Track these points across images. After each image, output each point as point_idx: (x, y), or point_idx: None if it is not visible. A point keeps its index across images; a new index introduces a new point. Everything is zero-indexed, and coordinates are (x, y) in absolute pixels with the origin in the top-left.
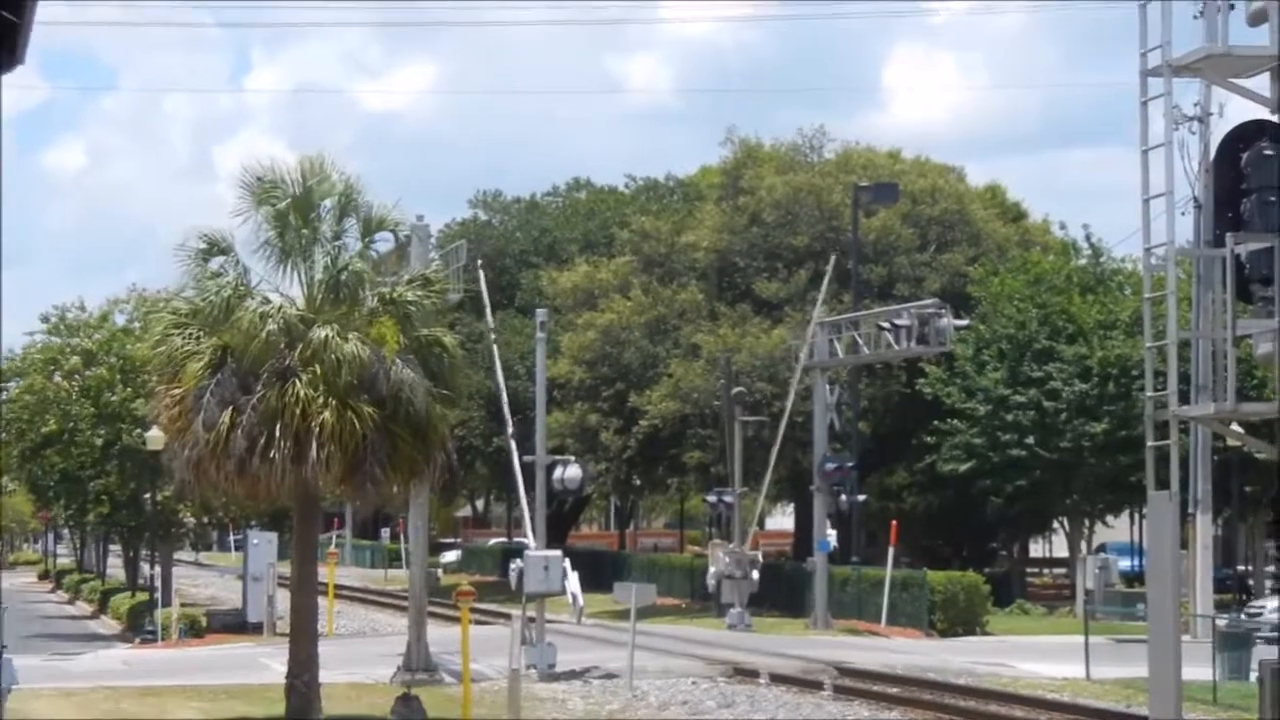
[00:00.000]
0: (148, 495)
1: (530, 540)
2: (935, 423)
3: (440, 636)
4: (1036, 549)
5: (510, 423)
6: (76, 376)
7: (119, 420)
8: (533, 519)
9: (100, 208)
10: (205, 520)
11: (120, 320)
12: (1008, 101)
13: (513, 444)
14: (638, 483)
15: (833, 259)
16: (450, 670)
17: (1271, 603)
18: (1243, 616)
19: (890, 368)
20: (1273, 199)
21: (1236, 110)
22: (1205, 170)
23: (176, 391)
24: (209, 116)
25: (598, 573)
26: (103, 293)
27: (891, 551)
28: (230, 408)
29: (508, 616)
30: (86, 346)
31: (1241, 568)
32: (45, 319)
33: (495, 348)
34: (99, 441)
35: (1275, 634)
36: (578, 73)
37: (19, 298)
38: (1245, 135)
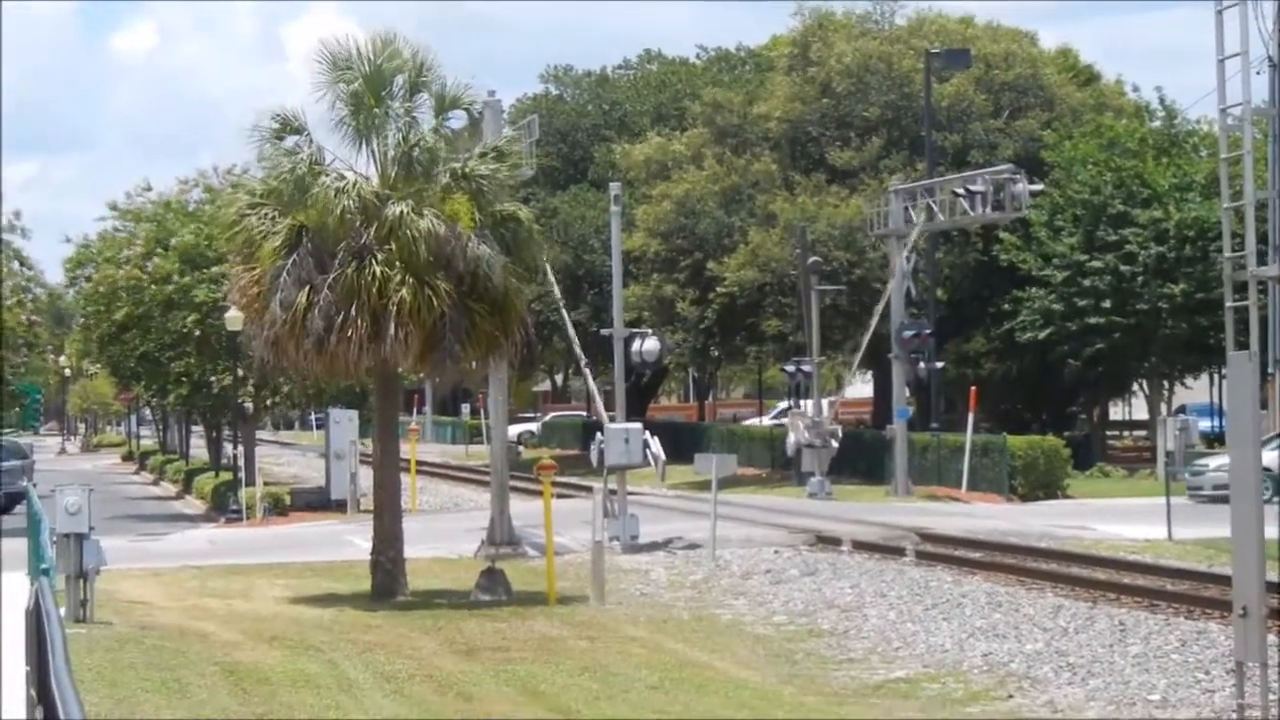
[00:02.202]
0: (215, 379)
1: (603, 416)
2: (1012, 290)
3: (523, 510)
4: (1116, 412)
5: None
6: (145, 265)
7: (182, 307)
8: (594, 394)
9: (169, 88)
10: (268, 404)
11: (191, 202)
12: None
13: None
14: (715, 353)
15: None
16: (533, 544)
17: (1214, 460)
18: (1187, 475)
19: (966, 234)
20: None
21: None
22: None
23: (254, 272)
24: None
25: (678, 444)
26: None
27: (971, 417)
28: (307, 287)
29: (589, 490)
30: (140, 249)
31: None
32: (114, 207)
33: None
34: (173, 326)
35: (1216, 491)
36: None
37: (88, 180)
38: None
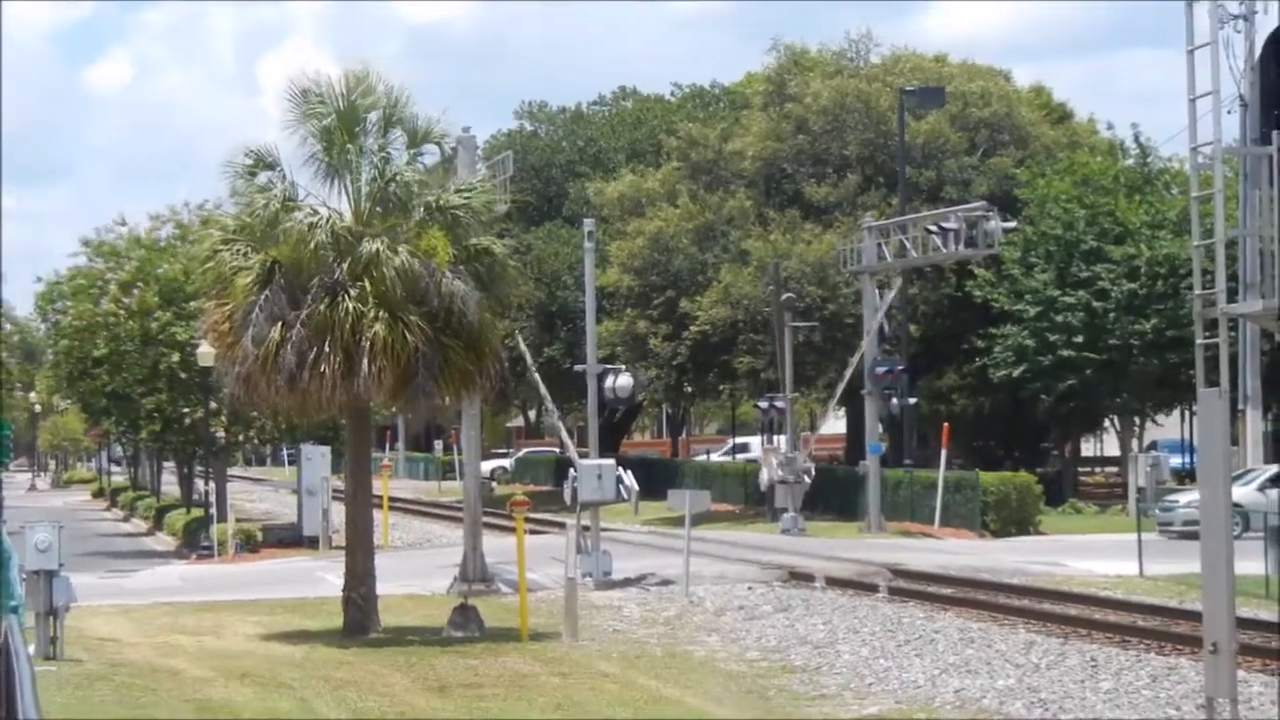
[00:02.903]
0: (187, 411)
1: (571, 451)
2: (985, 328)
3: (495, 547)
4: (1088, 448)
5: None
6: (123, 300)
7: (161, 344)
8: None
9: (145, 121)
10: (240, 438)
11: (162, 238)
12: (1053, 3)
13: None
14: (689, 389)
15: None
16: (506, 580)
17: (1184, 496)
18: (1158, 511)
19: (939, 271)
20: None
21: None
22: (1251, 69)
23: (225, 308)
24: (252, 29)
25: (651, 480)
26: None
27: (944, 453)
28: (280, 323)
29: (562, 526)
30: (123, 278)
31: None
32: (86, 242)
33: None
34: (148, 363)
35: (1187, 527)
36: None
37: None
38: None
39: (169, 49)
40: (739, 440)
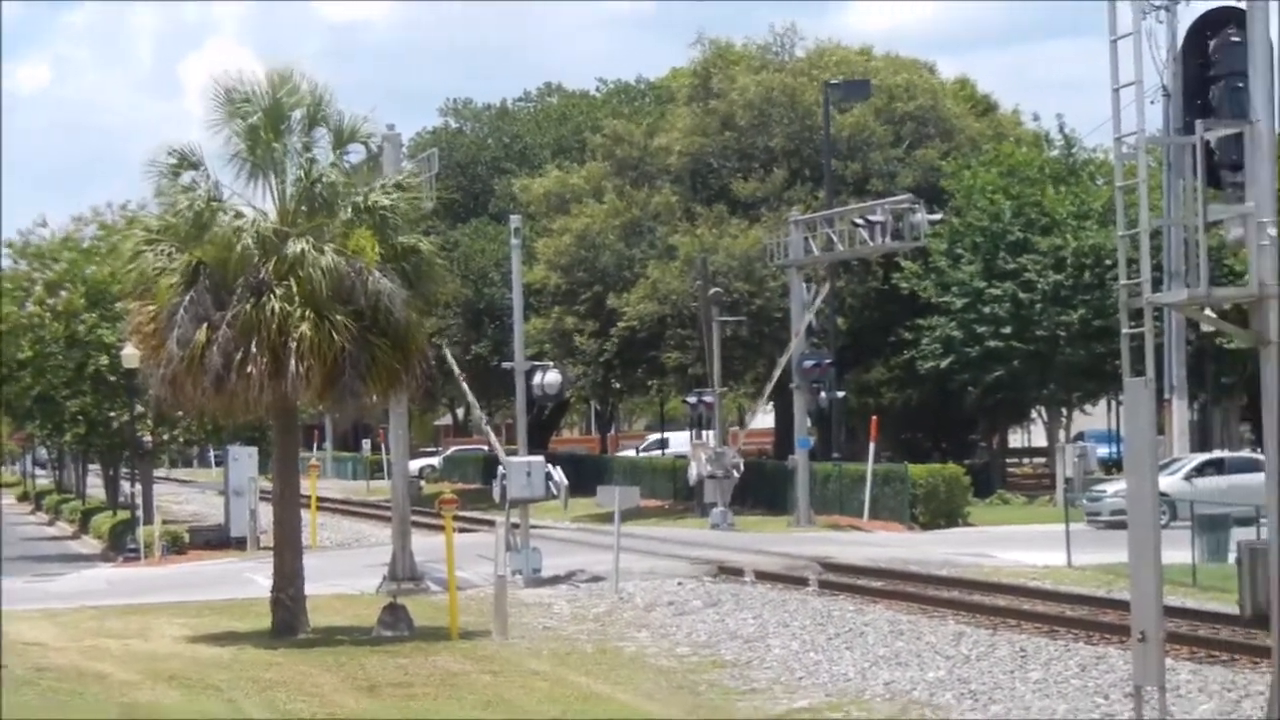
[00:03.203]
0: (114, 415)
1: (499, 450)
2: (912, 319)
3: (424, 545)
4: (1015, 439)
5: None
6: (48, 302)
7: (88, 346)
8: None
9: (66, 123)
10: (167, 440)
11: (85, 238)
12: None
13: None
14: (617, 386)
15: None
16: (436, 579)
17: (1111, 486)
18: (1085, 502)
19: (866, 264)
20: (1240, 85)
21: None
22: (1173, 59)
23: (150, 309)
24: (173, 30)
25: (580, 476)
26: (70, 208)
27: (872, 447)
28: (205, 324)
29: (491, 524)
30: (51, 277)
31: (1218, 453)
32: (10, 245)
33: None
34: (72, 365)
35: (1114, 517)
36: None
37: None
38: (1212, 22)
39: (88, 50)
40: (658, 436)
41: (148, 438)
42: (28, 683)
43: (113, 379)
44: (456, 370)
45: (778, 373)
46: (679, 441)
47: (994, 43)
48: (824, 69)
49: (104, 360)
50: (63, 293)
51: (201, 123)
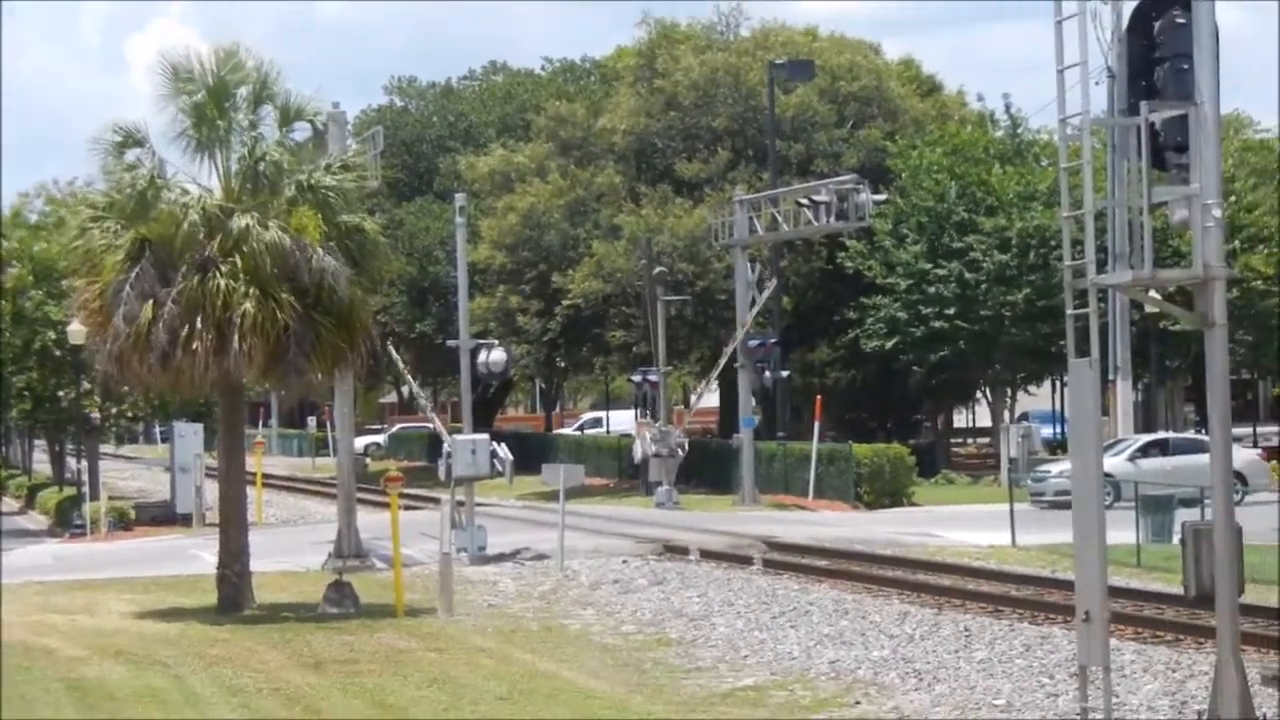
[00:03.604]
0: (62, 394)
1: (440, 429)
2: (857, 299)
3: (370, 523)
4: (960, 419)
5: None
6: None
7: (35, 323)
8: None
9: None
10: (114, 415)
11: (33, 215)
12: None
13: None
14: (561, 364)
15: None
16: (381, 556)
17: (1056, 466)
18: (1030, 482)
19: (811, 244)
20: (1185, 67)
21: None
22: (1118, 39)
23: (96, 285)
24: (119, 8)
25: (525, 455)
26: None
27: (817, 426)
28: (150, 300)
29: (437, 501)
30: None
31: (1163, 434)
32: None
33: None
34: (19, 342)
35: (1058, 497)
36: None
37: None
38: (1157, 3)
39: (33, 28)
40: (592, 415)
41: (95, 414)
42: None
43: (59, 354)
44: (400, 364)
45: (730, 348)
46: (618, 420)
47: (939, 24)
48: (769, 49)
49: (51, 336)
50: (10, 269)
51: (148, 100)
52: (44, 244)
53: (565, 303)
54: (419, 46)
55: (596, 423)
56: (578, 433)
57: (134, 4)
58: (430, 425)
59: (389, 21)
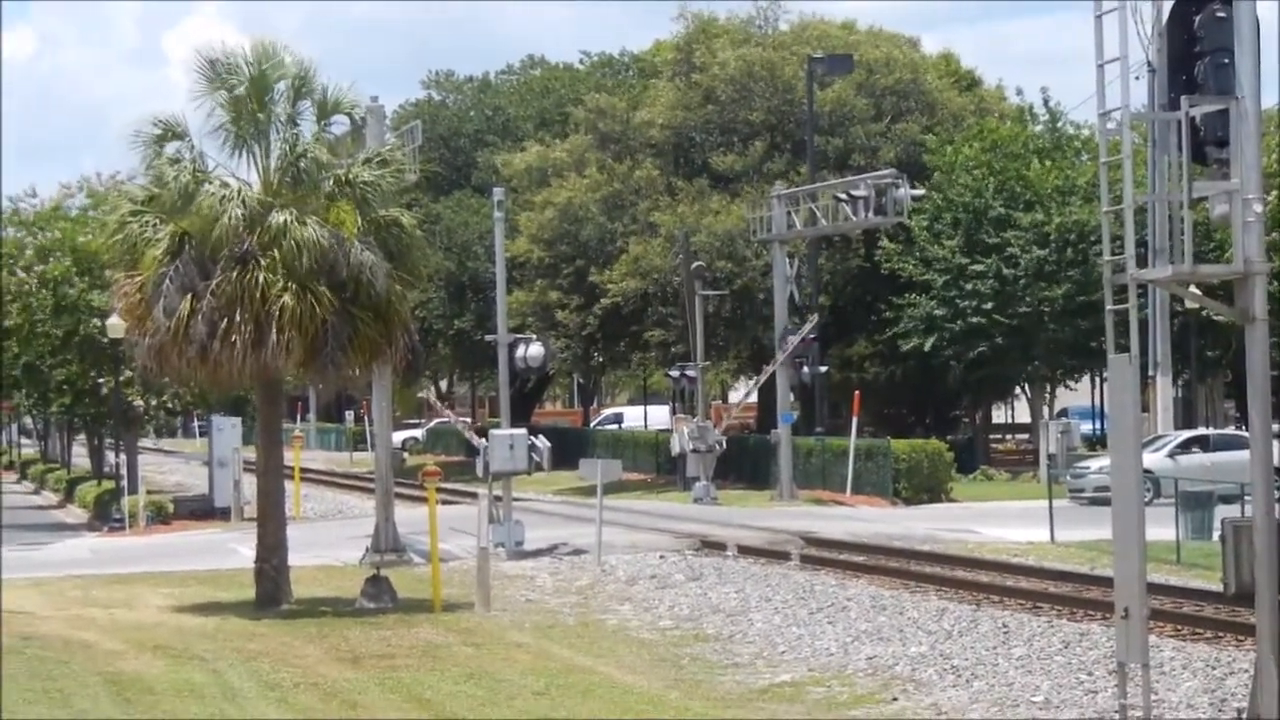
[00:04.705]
0: (102, 381)
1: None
2: (893, 298)
3: (407, 517)
4: (999, 415)
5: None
6: (35, 269)
7: (78, 311)
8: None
9: (52, 94)
10: (155, 405)
11: (74, 207)
12: None
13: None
14: (599, 359)
15: None
16: (418, 550)
17: (1095, 463)
18: (1069, 478)
19: (848, 240)
20: (1226, 61)
21: None
22: (1159, 34)
23: (136, 279)
24: (155, 6)
25: (563, 450)
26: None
27: (855, 421)
28: (190, 294)
29: (474, 496)
30: (41, 243)
31: (1202, 430)
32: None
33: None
34: (59, 332)
35: (1098, 493)
36: None
37: None
38: None
39: (72, 23)
40: (613, 410)
41: (137, 402)
42: (13, 651)
43: (103, 341)
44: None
45: (789, 346)
46: (633, 416)
47: (978, 18)
48: (805, 43)
49: (95, 324)
50: (52, 260)
51: (184, 96)
52: (87, 236)
53: (604, 300)
54: (456, 41)
55: (617, 419)
56: (615, 427)
57: (169, 1)
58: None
59: (426, 16)
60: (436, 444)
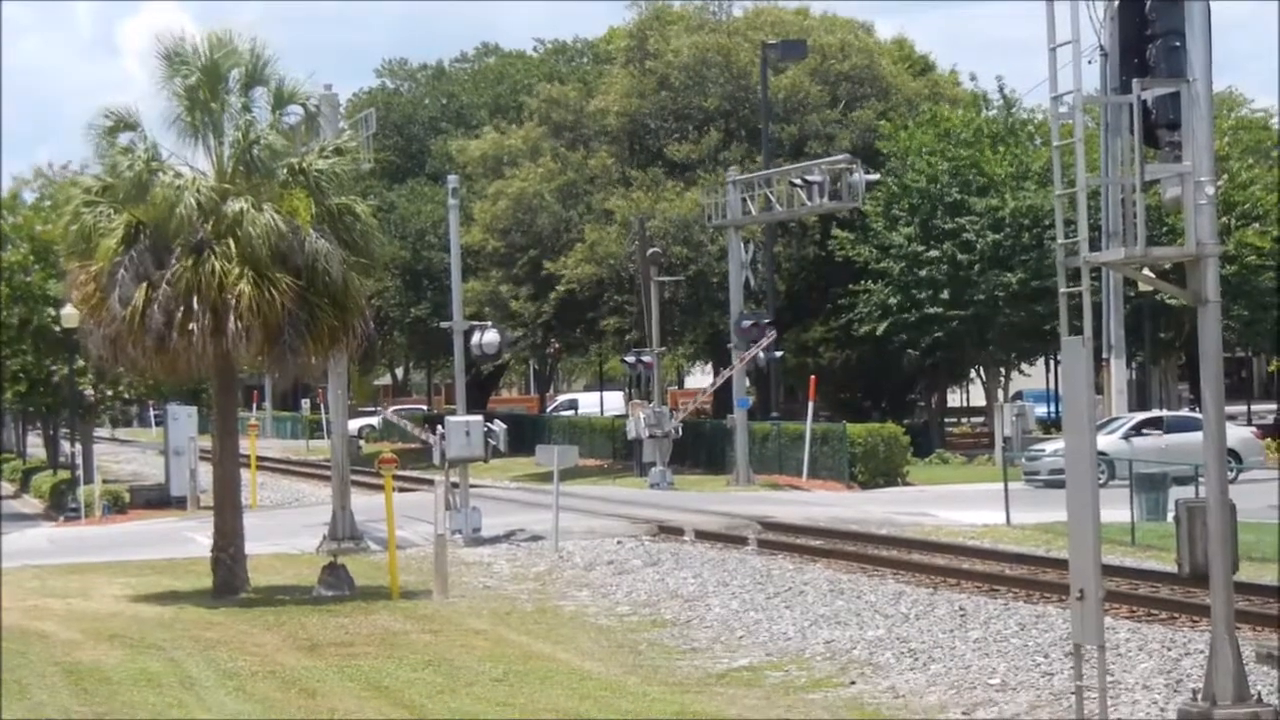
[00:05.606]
0: (54, 370)
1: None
2: (849, 283)
3: (365, 505)
4: (954, 399)
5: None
6: None
7: (34, 301)
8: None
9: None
10: (109, 395)
11: (29, 198)
12: None
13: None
14: (556, 346)
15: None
16: (375, 538)
17: (1050, 445)
18: (1024, 461)
19: (804, 227)
20: (1177, 44)
21: None
22: (1110, 17)
23: (91, 269)
24: None
25: (519, 436)
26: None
27: (810, 406)
28: (145, 283)
29: (431, 483)
30: None
31: (1156, 412)
32: None
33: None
34: (14, 322)
35: (1053, 476)
36: None
37: None
38: None
39: (26, 12)
40: (568, 397)
41: (90, 392)
42: None
43: (57, 330)
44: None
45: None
46: (587, 403)
47: (931, 3)
48: (759, 29)
49: (50, 313)
50: (9, 247)
51: (142, 86)
52: (45, 225)
53: (559, 287)
54: (410, 29)
55: (571, 405)
56: (570, 414)
57: None
58: (424, 407)
59: (380, 5)
60: (393, 431)
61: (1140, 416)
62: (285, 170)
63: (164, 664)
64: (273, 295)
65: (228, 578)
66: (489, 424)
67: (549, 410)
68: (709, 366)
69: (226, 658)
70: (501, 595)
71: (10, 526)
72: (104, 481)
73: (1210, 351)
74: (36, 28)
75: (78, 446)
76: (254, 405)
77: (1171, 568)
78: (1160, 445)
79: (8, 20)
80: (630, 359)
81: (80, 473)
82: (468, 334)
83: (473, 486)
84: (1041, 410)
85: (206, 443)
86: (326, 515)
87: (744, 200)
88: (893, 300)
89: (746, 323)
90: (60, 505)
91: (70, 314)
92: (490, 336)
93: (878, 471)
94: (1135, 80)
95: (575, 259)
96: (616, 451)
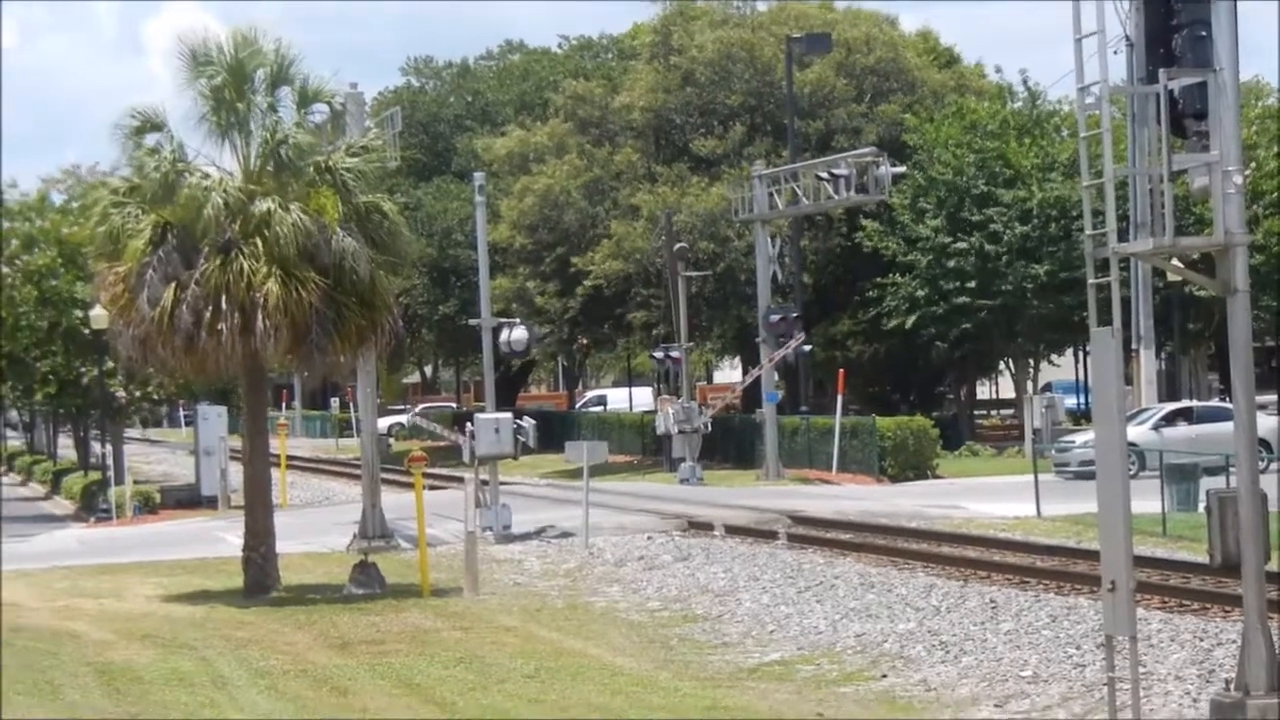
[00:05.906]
0: (83, 371)
1: (443, 430)
2: (877, 276)
3: (394, 503)
4: (983, 391)
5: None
6: (18, 261)
7: (62, 303)
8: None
9: (31, 86)
10: (139, 396)
11: (57, 200)
12: None
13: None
14: (584, 342)
15: None
16: (406, 536)
17: (1080, 436)
18: (1054, 452)
19: (831, 220)
20: (1203, 34)
21: None
22: (1136, 8)
23: (119, 270)
24: None
25: (548, 433)
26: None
27: (840, 400)
28: (174, 284)
29: (461, 481)
30: (27, 231)
31: (1186, 402)
32: None
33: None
34: (44, 324)
35: (1083, 467)
36: None
37: None
38: None
39: (49, 14)
40: (597, 393)
41: (120, 393)
42: (3, 644)
43: (86, 332)
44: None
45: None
46: (616, 398)
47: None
48: (783, 23)
49: (78, 315)
50: (37, 250)
51: (167, 85)
52: (72, 227)
53: (586, 283)
54: (434, 28)
55: (600, 401)
56: (599, 410)
57: None
58: (454, 404)
59: (403, 4)
60: (422, 430)
61: (1170, 407)
62: (312, 169)
63: (196, 663)
64: (300, 294)
65: (259, 577)
66: (518, 421)
67: (578, 406)
68: (737, 361)
69: (258, 657)
70: (532, 592)
71: (40, 528)
72: (135, 482)
73: (1240, 341)
74: (60, 28)
75: (108, 447)
76: (283, 404)
77: (1203, 558)
78: (1190, 436)
79: (30, 21)
80: (659, 354)
81: (111, 474)
82: (496, 331)
83: (502, 484)
84: (1071, 401)
85: (237, 442)
86: (357, 514)
87: (770, 194)
88: (920, 293)
89: (774, 317)
90: (91, 506)
91: (99, 315)
92: (518, 333)
93: (907, 464)
94: (1162, 70)
95: (602, 255)
96: (646, 447)
